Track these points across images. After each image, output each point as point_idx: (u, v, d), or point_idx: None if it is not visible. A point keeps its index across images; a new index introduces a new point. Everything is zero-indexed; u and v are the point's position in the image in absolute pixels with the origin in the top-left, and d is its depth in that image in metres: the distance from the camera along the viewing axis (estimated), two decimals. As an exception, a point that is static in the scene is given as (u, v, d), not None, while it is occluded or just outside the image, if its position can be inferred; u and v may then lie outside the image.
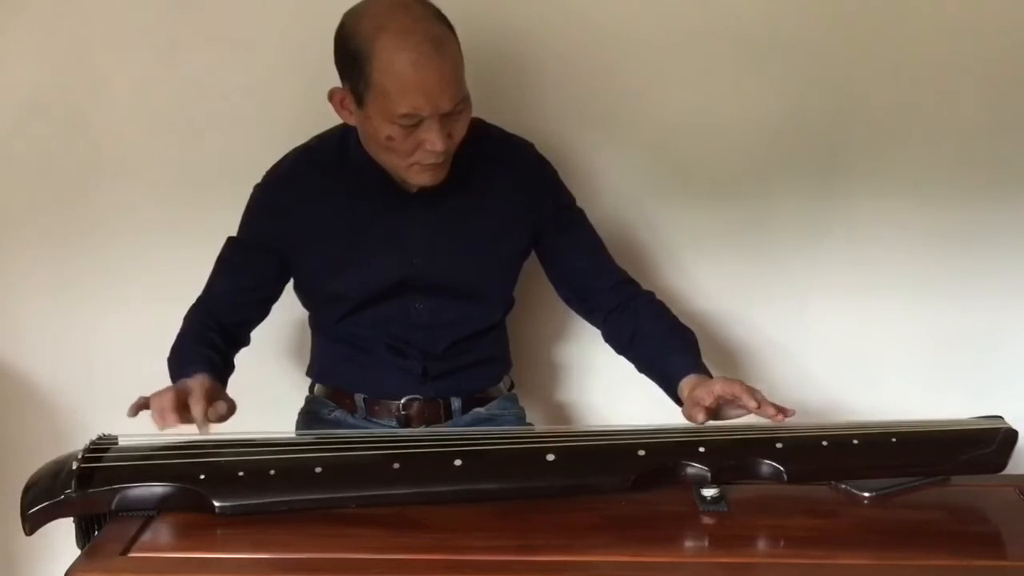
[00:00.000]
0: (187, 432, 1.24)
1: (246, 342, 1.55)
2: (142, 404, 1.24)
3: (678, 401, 1.38)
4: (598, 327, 1.57)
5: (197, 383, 1.28)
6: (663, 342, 1.46)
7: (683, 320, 1.52)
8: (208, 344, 1.43)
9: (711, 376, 1.37)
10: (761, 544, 1.13)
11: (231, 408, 1.28)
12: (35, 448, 1.56)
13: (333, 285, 1.52)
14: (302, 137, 1.55)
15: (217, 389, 1.31)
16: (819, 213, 1.80)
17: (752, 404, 1.27)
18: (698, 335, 1.49)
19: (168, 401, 1.23)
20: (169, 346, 1.45)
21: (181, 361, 1.39)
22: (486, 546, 1.11)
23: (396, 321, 1.53)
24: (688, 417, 1.32)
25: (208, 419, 1.24)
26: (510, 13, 1.72)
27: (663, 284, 1.81)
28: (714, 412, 1.31)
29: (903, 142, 1.76)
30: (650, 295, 1.55)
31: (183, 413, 1.23)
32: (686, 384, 1.36)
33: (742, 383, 1.29)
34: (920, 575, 1.07)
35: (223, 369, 1.42)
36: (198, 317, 1.49)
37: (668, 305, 1.54)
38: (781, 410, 1.27)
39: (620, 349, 1.54)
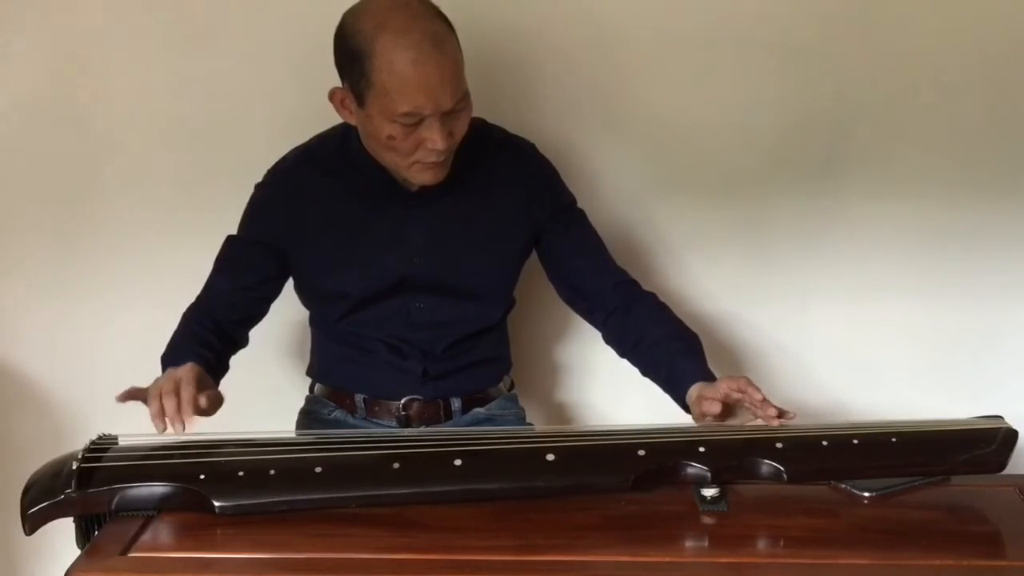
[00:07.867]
0: (186, 432, 1.24)
1: (244, 342, 1.55)
2: (133, 394, 1.25)
3: (685, 407, 1.38)
4: (598, 328, 1.57)
5: (186, 370, 1.27)
6: (670, 349, 1.45)
7: (684, 320, 1.51)
8: (201, 343, 1.43)
9: None
10: (761, 544, 1.13)
11: (219, 399, 1.28)
12: (35, 448, 1.56)
13: (333, 284, 1.52)
14: (302, 137, 1.55)
15: (206, 379, 1.30)
16: (819, 213, 1.80)
17: (758, 396, 1.27)
18: (699, 334, 1.49)
19: (167, 384, 1.23)
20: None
21: (172, 360, 1.38)
22: (486, 546, 1.10)
23: (396, 321, 1.53)
24: (699, 415, 1.33)
25: (197, 403, 1.23)
26: (510, 13, 1.72)
27: (664, 284, 1.81)
28: (727, 409, 1.31)
29: (903, 142, 1.76)
30: (652, 297, 1.55)
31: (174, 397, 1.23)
32: (694, 390, 1.36)
33: (746, 378, 1.30)
34: (920, 575, 1.07)
35: (216, 367, 1.42)
36: (194, 316, 1.49)
37: (670, 306, 1.54)
38: (781, 413, 1.28)
39: (623, 353, 1.53)
